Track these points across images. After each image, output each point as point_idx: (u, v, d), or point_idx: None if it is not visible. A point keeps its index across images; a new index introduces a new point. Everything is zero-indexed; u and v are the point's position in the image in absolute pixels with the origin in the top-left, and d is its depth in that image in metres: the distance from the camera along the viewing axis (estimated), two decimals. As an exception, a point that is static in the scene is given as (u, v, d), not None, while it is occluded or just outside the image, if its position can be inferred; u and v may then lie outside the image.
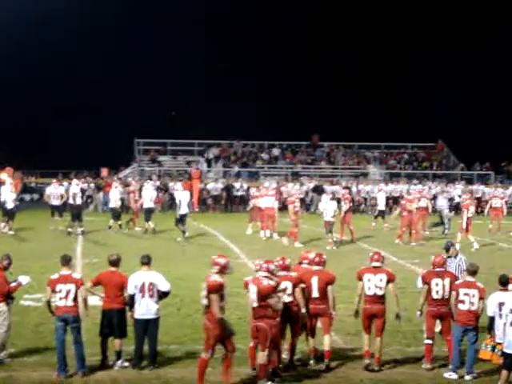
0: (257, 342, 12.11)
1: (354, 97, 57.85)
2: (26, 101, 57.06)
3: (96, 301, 13.33)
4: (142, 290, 12.84)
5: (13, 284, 13.15)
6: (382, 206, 33.52)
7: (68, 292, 12.49)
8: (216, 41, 57.15)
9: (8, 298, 13.09)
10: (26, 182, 48.16)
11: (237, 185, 44.49)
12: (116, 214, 31.28)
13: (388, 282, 12.98)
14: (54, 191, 31.80)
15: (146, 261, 13.12)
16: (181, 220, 28.92)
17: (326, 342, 13.00)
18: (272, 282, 12.07)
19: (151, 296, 12.87)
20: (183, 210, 28.91)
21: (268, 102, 57.97)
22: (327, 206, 27.54)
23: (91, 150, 51.87)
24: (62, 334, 12.48)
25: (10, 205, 30.22)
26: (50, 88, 56.14)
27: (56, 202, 31.49)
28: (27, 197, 48.32)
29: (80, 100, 55.34)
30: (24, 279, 13.38)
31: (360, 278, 13.14)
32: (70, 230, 29.99)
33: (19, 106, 56.91)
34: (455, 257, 14.95)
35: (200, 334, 14.86)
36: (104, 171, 46.97)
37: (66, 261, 12.90)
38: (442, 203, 33.14)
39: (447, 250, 14.77)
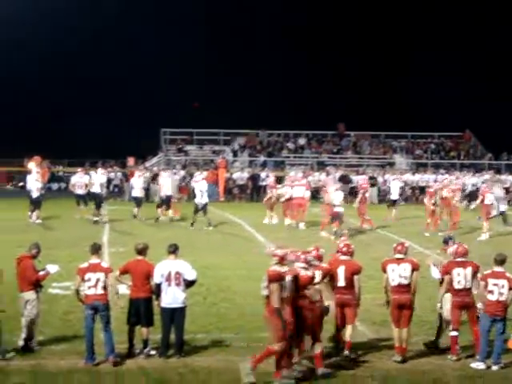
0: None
1: (379, 86, 57.70)
2: (55, 90, 57.47)
3: (124, 289, 13.39)
4: (168, 279, 12.87)
5: (41, 272, 13.26)
6: (395, 195, 33.08)
7: (97, 281, 12.56)
8: (243, 30, 57.21)
9: (37, 286, 13.20)
10: (53, 171, 48.44)
11: (263, 174, 44.48)
12: (138, 203, 31.41)
13: (413, 270, 12.92)
14: (79, 180, 31.96)
15: (173, 249, 13.13)
16: (203, 210, 29.03)
17: (348, 333, 12.99)
18: (310, 273, 12.11)
19: (178, 285, 12.90)
20: (205, 199, 29.03)
21: (294, 91, 57.94)
22: (335, 196, 27.30)
23: (118, 139, 52.11)
24: (90, 322, 12.55)
25: (35, 194, 30.41)
26: (82, 78, 56.49)
27: (81, 191, 31.65)
28: (55, 186, 48.68)
29: (107, 92, 55.60)
30: (52, 268, 13.47)
31: (384, 270, 13.11)
32: (95, 218, 30.16)
33: (49, 94, 57.33)
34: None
35: (226, 322, 14.99)
36: (130, 160, 47.14)
37: (96, 249, 12.97)
38: (499, 193, 29.99)
39: (446, 243, 14.65)
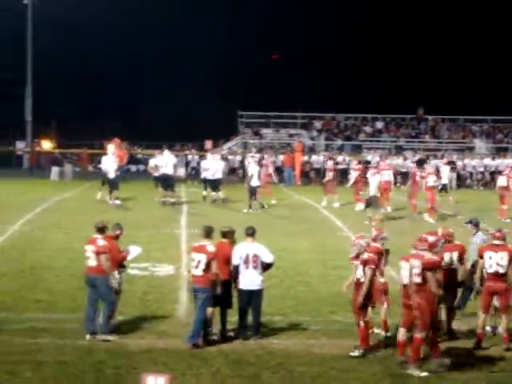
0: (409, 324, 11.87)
1: (460, 69, 56.76)
2: (135, 76, 58.28)
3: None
4: (246, 261, 12.92)
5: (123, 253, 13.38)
6: (445, 179, 32.65)
7: (199, 262, 12.56)
8: (323, 16, 57.00)
9: (120, 266, 13.33)
10: (132, 154, 49.08)
11: (339, 158, 44.25)
12: (212, 186, 31.38)
13: (510, 260, 12.67)
14: (157, 163, 32.16)
15: (251, 232, 13.16)
16: (253, 193, 29.09)
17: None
18: (435, 257, 11.99)
19: (255, 267, 12.94)
20: (254, 182, 29.07)
21: (372, 74, 57.48)
22: (371, 181, 26.91)
23: (196, 122, 52.53)
24: (196, 303, 12.55)
25: (111, 175, 30.80)
26: (163, 63, 57.06)
27: (157, 174, 31.83)
28: (133, 168, 49.34)
29: (184, 74, 55.98)
30: (135, 250, 13.60)
31: (481, 256, 12.93)
32: (166, 199, 30.38)
33: (129, 81, 58.21)
34: (475, 234, 14.68)
35: (302, 306, 14.99)
36: (208, 143, 47.40)
37: (208, 233, 12.88)
38: None
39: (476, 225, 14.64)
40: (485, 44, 56.52)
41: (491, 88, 54.76)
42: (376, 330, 12.66)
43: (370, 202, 26.34)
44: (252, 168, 29.88)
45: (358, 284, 12.25)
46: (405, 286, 11.80)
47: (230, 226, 13.38)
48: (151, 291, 15.67)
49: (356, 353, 12.04)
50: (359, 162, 32.49)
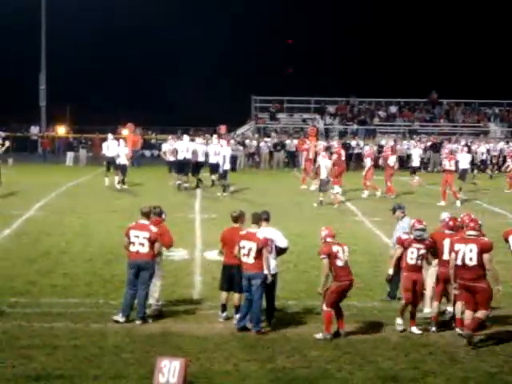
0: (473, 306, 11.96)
1: (473, 53, 56.46)
2: (153, 63, 58.35)
3: (214, 255, 13.49)
4: (260, 246, 12.90)
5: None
6: (416, 162, 33.11)
7: (250, 250, 12.47)
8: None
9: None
10: (146, 138, 49.16)
11: (353, 142, 44.15)
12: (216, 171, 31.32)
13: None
14: (170, 148, 32.17)
15: (266, 217, 13.10)
16: (224, 176, 29.13)
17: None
18: (487, 239, 12.09)
19: (269, 252, 12.93)
20: (226, 165, 29.06)
21: (386, 58, 57.27)
22: (321, 164, 27.09)
23: (209, 107, 52.52)
24: (247, 291, 12.56)
25: (123, 160, 30.79)
26: (176, 50, 57.09)
27: (172, 158, 31.87)
28: (147, 153, 49.42)
29: (198, 61, 56.03)
30: None
31: (506, 240, 12.91)
32: (178, 182, 30.39)
33: (147, 67, 58.32)
34: (402, 219, 14.53)
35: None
36: (222, 128, 47.31)
37: (255, 219, 12.87)
38: None
39: (394, 211, 14.64)
40: (498, 28, 56.13)
41: (506, 71, 54.40)
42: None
43: (322, 185, 26.64)
44: (223, 150, 29.80)
45: (414, 266, 12.48)
46: (463, 267, 11.88)
47: (241, 210, 13.32)
48: (166, 275, 15.67)
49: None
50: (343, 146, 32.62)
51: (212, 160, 30.60)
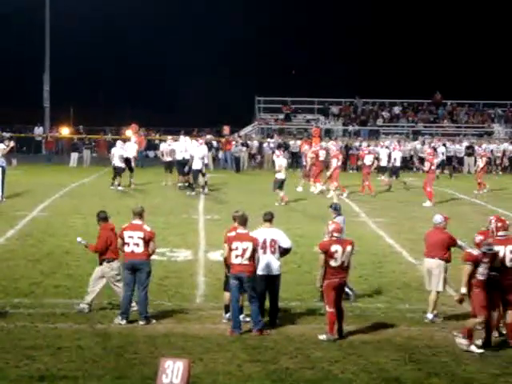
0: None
1: (477, 54, 56.45)
2: (159, 63, 58.41)
3: (218, 256, 13.49)
4: (263, 247, 12.88)
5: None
6: (384, 162, 32.66)
7: (244, 250, 12.42)
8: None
9: None
10: (149, 139, 49.16)
11: (356, 143, 44.14)
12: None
13: None
14: (167, 148, 32.10)
15: (269, 217, 13.13)
16: (194, 175, 29.02)
17: None
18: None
19: (273, 252, 12.93)
20: (196, 165, 28.85)
21: (389, 59, 57.27)
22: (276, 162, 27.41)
23: (214, 108, 52.57)
24: (235, 291, 12.50)
25: (117, 162, 30.59)
26: (180, 50, 57.15)
27: (169, 159, 31.82)
28: (151, 153, 49.39)
29: (200, 62, 56.08)
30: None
31: None
32: (180, 184, 30.43)
33: (154, 68, 58.39)
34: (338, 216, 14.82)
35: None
36: (226, 129, 47.38)
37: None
38: None
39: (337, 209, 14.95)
40: (502, 29, 56.12)
41: (510, 72, 54.38)
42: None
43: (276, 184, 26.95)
44: (193, 150, 29.55)
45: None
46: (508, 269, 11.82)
47: (242, 211, 13.31)
48: (169, 276, 15.72)
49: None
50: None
51: (178, 157, 30.58)
